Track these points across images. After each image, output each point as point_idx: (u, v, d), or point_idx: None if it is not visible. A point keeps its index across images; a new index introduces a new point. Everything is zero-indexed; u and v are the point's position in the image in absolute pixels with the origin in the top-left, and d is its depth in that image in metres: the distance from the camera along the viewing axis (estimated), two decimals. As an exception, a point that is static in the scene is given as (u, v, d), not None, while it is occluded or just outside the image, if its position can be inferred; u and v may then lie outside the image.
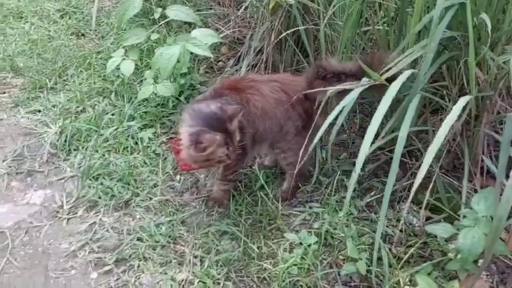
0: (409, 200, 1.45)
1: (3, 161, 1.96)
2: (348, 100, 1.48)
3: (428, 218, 1.74)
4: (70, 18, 3.25)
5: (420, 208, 1.77)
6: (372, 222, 1.74)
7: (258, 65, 2.46)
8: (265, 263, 1.57)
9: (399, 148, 1.33)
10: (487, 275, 1.56)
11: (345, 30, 1.77)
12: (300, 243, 1.60)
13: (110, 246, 1.61)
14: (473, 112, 1.66)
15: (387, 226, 1.71)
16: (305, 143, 1.75)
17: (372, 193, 1.86)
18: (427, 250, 1.62)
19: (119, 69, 2.21)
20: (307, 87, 1.79)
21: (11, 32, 3.04)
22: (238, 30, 2.81)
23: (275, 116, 1.72)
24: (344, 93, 1.55)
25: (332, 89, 1.57)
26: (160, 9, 2.19)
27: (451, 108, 1.68)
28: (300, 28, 2.04)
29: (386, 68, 1.44)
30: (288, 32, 2.07)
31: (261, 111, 1.67)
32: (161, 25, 2.58)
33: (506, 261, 1.56)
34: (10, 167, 1.93)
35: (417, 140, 1.82)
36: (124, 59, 2.15)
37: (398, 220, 1.75)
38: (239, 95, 1.65)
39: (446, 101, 1.72)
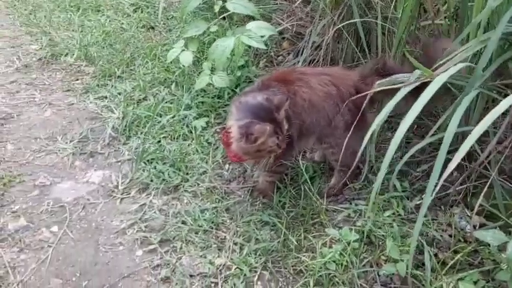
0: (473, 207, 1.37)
1: (71, 141, 2.13)
2: (399, 97, 1.42)
3: (482, 225, 1.63)
4: (142, 12, 3.42)
5: (475, 214, 1.68)
6: (422, 225, 1.66)
7: (316, 60, 2.45)
8: (304, 256, 1.57)
9: (444, 146, 1.25)
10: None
11: (400, 24, 1.70)
12: (340, 240, 1.58)
13: (156, 227, 1.69)
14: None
15: (435, 230, 1.63)
16: (355, 139, 1.75)
17: (424, 195, 1.77)
18: (477, 258, 1.52)
19: (179, 59, 2.30)
20: (360, 82, 1.75)
21: (89, 24, 3.27)
22: (301, 25, 2.80)
23: (323, 109, 1.70)
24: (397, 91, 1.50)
25: (380, 85, 1.52)
26: (220, 2, 2.24)
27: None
28: (356, 21, 1.99)
29: (439, 63, 1.37)
30: (342, 24, 2.02)
31: (308, 104, 1.66)
32: (222, 18, 2.66)
33: None
34: (76, 147, 2.09)
35: (478, 141, 1.71)
36: (183, 50, 2.23)
37: (449, 225, 1.66)
38: (287, 87, 1.65)
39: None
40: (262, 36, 2.09)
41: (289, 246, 1.60)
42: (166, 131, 2.17)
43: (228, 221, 1.73)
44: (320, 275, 1.48)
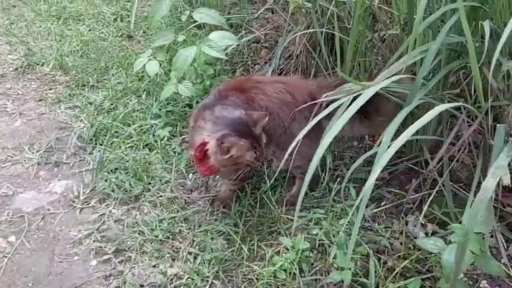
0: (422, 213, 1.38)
1: (37, 151, 2.14)
2: (344, 110, 1.43)
3: (434, 233, 1.64)
4: (122, 21, 3.45)
5: (428, 221, 1.69)
6: (375, 233, 1.68)
7: (287, 70, 2.47)
8: (256, 264, 1.58)
9: (379, 158, 1.26)
10: (491, 298, 1.44)
11: (351, 34, 1.72)
12: (293, 248, 1.59)
13: (112, 237, 1.70)
14: (489, 122, 1.53)
15: (388, 238, 1.64)
16: (313, 147, 1.76)
17: (383, 203, 1.79)
18: (426, 265, 1.53)
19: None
20: (316, 91, 1.77)
21: (68, 33, 3.30)
22: (278, 34, 2.82)
23: (278, 116, 1.72)
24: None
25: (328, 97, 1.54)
26: (187, 12, 2.26)
27: (463, 119, 1.59)
28: (315, 30, 2.01)
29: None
30: (300, 33, 2.05)
31: (265, 111, 1.68)
32: (198, 27, 2.68)
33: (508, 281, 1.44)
34: (42, 157, 2.10)
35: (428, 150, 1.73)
36: (150, 59, 2.25)
37: (402, 233, 1.67)
38: (244, 95, 1.67)
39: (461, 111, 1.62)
40: (227, 47, 2.11)
41: (242, 254, 1.61)
42: (132, 141, 2.19)
43: (185, 230, 1.74)
44: (269, 284, 1.49)
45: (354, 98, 1.28)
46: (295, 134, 1.74)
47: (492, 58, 1.15)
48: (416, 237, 1.64)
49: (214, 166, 1.62)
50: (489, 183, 1.03)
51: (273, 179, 1.86)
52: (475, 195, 1.53)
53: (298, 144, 1.75)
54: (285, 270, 1.53)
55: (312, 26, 2.26)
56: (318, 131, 1.76)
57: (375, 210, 1.75)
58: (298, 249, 1.56)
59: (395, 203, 1.79)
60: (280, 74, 2.45)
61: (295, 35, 2.27)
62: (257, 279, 1.53)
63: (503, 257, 1.50)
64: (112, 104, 2.46)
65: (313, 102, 1.65)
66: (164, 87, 2.22)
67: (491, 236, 1.56)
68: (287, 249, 1.61)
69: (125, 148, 2.14)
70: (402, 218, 1.70)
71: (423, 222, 1.68)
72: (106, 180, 1.95)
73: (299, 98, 1.74)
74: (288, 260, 1.53)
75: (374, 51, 1.94)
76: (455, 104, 1.34)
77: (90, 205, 1.86)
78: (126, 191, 1.90)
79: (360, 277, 1.48)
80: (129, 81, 2.63)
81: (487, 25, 1.23)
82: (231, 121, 1.59)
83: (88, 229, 1.74)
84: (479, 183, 1.19)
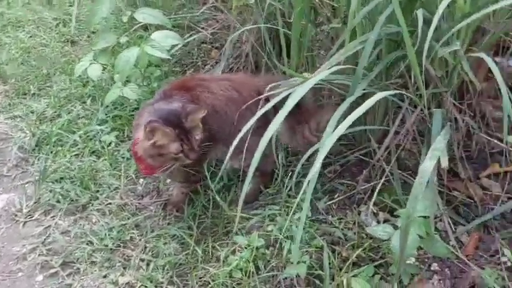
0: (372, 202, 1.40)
1: (-25, 166, 2.02)
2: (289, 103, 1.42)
3: (386, 221, 1.66)
4: (64, 26, 3.31)
5: (380, 210, 1.72)
6: (329, 225, 1.68)
7: (237, 68, 2.44)
8: (211, 266, 1.54)
9: (326, 146, 1.26)
10: (439, 280, 1.47)
11: (294, 29, 1.72)
12: (249, 246, 1.56)
13: (59, 250, 1.62)
14: (432, 110, 1.57)
15: (342, 229, 1.65)
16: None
17: (336, 195, 1.80)
18: (379, 253, 1.55)
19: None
20: (264, 88, 1.75)
21: (7, 40, 3.13)
22: (227, 33, 2.79)
23: (226, 114, 1.69)
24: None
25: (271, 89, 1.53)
26: (128, 13, 2.20)
27: (406, 108, 1.63)
28: (259, 26, 2.00)
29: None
30: (243, 29, 2.04)
31: (212, 109, 1.64)
32: (145, 29, 2.61)
33: (461, 265, 1.48)
34: (-19, 171, 1.98)
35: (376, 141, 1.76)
36: (92, 63, 2.17)
37: (355, 223, 1.68)
38: (189, 93, 1.63)
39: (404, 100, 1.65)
40: (173, 46, 2.07)
41: (196, 257, 1.57)
42: (78, 148, 2.10)
43: (137, 237, 1.68)
44: (225, 284, 1.46)
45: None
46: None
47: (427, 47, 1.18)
48: (368, 226, 1.66)
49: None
50: (426, 166, 1.05)
51: (226, 179, 1.84)
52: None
53: (248, 142, 1.76)
54: (240, 270, 1.50)
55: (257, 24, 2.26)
56: (267, 128, 1.76)
57: (328, 203, 1.76)
58: (253, 247, 1.54)
59: (348, 195, 1.80)
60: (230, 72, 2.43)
61: (240, 31, 2.25)
62: (212, 280, 1.50)
63: (452, 240, 1.54)
64: (55, 112, 2.35)
65: (259, 97, 1.64)
66: (109, 91, 2.15)
67: (440, 220, 1.60)
68: (242, 248, 1.58)
69: (71, 156, 2.05)
70: (355, 208, 1.72)
71: (375, 211, 1.70)
72: (50, 191, 1.86)
73: (246, 95, 1.72)
74: (244, 259, 1.51)
75: (317, 46, 1.95)
76: (394, 91, 1.36)
77: (34, 218, 1.76)
78: (72, 200, 1.82)
79: (316, 270, 1.48)
80: (73, 87, 2.53)
81: (420, 14, 1.26)
82: (162, 111, 1.53)
83: (32, 243, 1.65)
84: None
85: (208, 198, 1.80)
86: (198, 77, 1.76)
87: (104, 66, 2.25)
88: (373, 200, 1.52)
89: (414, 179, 1.70)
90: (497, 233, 1.58)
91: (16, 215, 1.77)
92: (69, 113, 2.34)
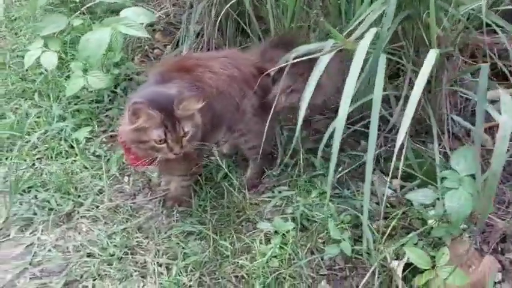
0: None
1: None
2: (319, 70, 1.33)
3: (402, 187, 1.65)
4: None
5: (392, 178, 1.70)
6: (346, 199, 1.63)
7: (199, 48, 2.27)
8: (241, 259, 1.40)
9: (375, 114, 1.20)
10: (469, 237, 1.50)
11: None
12: (276, 232, 1.45)
13: (55, 268, 1.36)
14: (433, 70, 1.58)
15: (361, 200, 1.60)
16: (264, 123, 1.63)
17: (340, 168, 1.74)
18: (407, 220, 1.53)
19: (39, 64, 1.92)
20: (259, 61, 1.63)
21: None
22: (173, 13, 2.58)
23: (229, 94, 1.54)
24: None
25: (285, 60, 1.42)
26: (81, -9, 1.92)
27: (411, 69, 1.62)
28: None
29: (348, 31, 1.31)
30: (229, 5, 1.88)
31: (216, 90, 1.48)
32: (83, 11, 2.30)
33: (486, 219, 1.51)
34: None
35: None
36: (44, 51, 1.85)
37: (372, 193, 1.65)
38: (190, 74, 1.45)
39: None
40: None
41: (223, 252, 1.42)
42: (39, 151, 1.79)
43: (144, 241, 1.47)
44: (265, 276, 1.34)
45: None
46: (246, 111, 1.61)
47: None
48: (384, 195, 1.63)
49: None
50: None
51: (225, 165, 1.69)
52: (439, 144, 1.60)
53: (249, 123, 1.63)
54: (276, 257, 1.38)
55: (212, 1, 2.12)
56: (268, 107, 1.64)
57: (338, 176, 1.70)
58: (284, 232, 1.43)
59: (354, 166, 1.75)
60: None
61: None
62: (248, 274, 1.36)
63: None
64: (-5, 113, 1.98)
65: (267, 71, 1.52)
66: (68, 83, 1.85)
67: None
68: (270, 234, 1.46)
69: (33, 161, 1.74)
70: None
71: (387, 180, 1.67)
72: (21, 203, 1.55)
73: (246, 71, 1.58)
74: (277, 246, 1.39)
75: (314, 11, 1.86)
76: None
77: (10, 237, 1.46)
78: (53, 210, 1.54)
79: (353, 245, 1.42)
80: (10, 82, 2.16)
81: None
82: (152, 93, 1.34)
83: (17, 266, 1.36)
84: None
85: (212, 187, 1.64)
86: (195, 55, 1.57)
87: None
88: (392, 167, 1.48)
89: (418, 142, 1.77)
90: (503, 185, 1.65)
91: (-15, 237, 1.45)
92: (14, 112, 1.99)
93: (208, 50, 2.24)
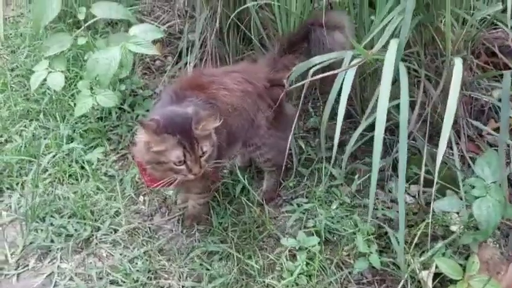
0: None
1: None
2: (347, 84, 1.31)
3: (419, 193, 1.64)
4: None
5: (410, 184, 1.69)
6: (365, 208, 1.61)
7: (203, 59, 2.24)
8: (268, 278, 1.38)
9: (403, 123, 1.19)
10: (493, 241, 1.49)
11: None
12: (301, 248, 1.43)
13: (80, 299, 1.33)
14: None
15: (383, 209, 1.59)
16: (279, 135, 1.62)
17: (356, 176, 1.73)
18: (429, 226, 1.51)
19: (43, 83, 1.88)
20: (271, 73, 1.61)
21: None
22: (172, 24, 2.55)
23: (244, 110, 1.52)
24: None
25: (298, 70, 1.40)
26: (83, 9, 1.87)
27: (425, 74, 1.60)
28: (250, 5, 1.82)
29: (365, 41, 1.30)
30: (233, 14, 1.86)
31: (231, 107, 1.46)
32: (85, 28, 2.26)
33: (508, 223, 1.50)
34: None
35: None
36: (50, 71, 1.81)
37: (392, 201, 1.64)
38: (204, 93, 1.42)
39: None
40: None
41: (249, 272, 1.40)
42: (50, 175, 1.75)
43: (166, 264, 1.44)
44: (294, 295, 1.32)
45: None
46: (261, 125, 1.59)
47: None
48: (405, 202, 1.62)
49: None
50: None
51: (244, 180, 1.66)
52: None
53: (264, 136, 1.61)
54: (303, 274, 1.36)
55: (215, 10, 2.09)
56: (282, 119, 1.62)
57: (358, 182, 1.68)
58: (310, 247, 1.41)
59: (369, 174, 1.73)
60: (200, 63, 2.22)
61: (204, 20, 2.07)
62: (276, 293, 1.34)
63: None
64: (2, 136, 1.94)
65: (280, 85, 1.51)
66: (77, 102, 1.81)
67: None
68: (295, 250, 1.44)
69: (44, 186, 1.70)
70: (385, 185, 1.66)
71: (406, 186, 1.66)
72: (37, 231, 1.52)
73: (259, 85, 1.56)
74: (304, 262, 1.37)
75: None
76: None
77: (29, 267, 1.43)
78: (70, 236, 1.51)
79: (380, 257, 1.40)
80: (12, 104, 2.11)
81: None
82: (169, 112, 1.31)
83: (40, 299, 1.33)
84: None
85: (229, 202, 1.62)
86: (207, 72, 1.54)
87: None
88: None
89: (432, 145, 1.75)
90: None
91: (2, 268, 1.42)
92: (20, 135, 1.95)
93: (212, 60, 2.22)
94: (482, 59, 1.87)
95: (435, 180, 1.16)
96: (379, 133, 1.14)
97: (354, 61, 1.29)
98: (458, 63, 1.17)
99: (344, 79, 1.30)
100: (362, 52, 1.24)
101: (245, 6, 1.84)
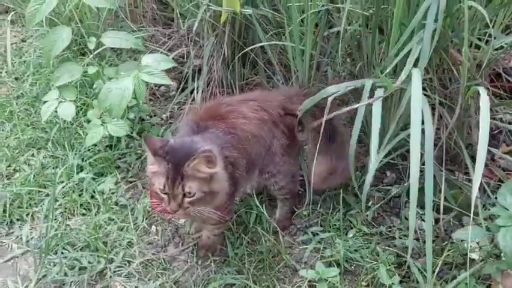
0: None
1: None
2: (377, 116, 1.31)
3: (437, 220, 1.63)
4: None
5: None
6: (382, 236, 1.60)
7: (209, 85, 2.24)
8: (289, 310, 1.35)
9: (429, 153, 1.19)
10: (512, 269, 1.47)
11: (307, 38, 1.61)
12: (321, 279, 1.40)
13: (98, 335, 1.29)
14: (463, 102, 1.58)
15: (400, 237, 1.57)
16: (292, 163, 1.62)
17: (370, 203, 1.71)
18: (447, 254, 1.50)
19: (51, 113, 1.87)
20: (286, 102, 1.62)
21: None
22: (176, 49, 2.57)
23: (262, 137, 1.52)
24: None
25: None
26: (93, 38, 1.88)
27: (437, 99, 1.61)
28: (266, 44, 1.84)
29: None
30: (252, 47, 1.87)
31: (251, 135, 1.46)
32: (93, 57, 2.27)
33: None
34: None
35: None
36: (60, 101, 1.81)
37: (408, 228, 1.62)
38: (224, 122, 1.42)
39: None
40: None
41: (268, 304, 1.37)
42: (60, 205, 1.73)
43: (183, 296, 1.42)
44: (316, 328, 1.29)
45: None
46: (276, 152, 1.59)
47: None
48: (421, 229, 1.61)
49: None
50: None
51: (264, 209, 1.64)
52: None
53: (279, 163, 1.61)
54: (324, 306, 1.34)
55: (222, 39, 2.10)
56: (295, 146, 1.63)
57: (373, 209, 1.67)
58: (330, 278, 1.39)
59: (383, 201, 1.73)
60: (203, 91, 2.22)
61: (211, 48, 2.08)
62: (297, 327, 1.31)
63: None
64: (10, 166, 1.92)
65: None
66: (88, 132, 1.80)
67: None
68: (315, 281, 1.42)
69: (55, 217, 1.67)
70: (401, 213, 1.65)
71: (421, 212, 1.65)
72: (50, 264, 1.49)
73: (274, 113, 1.57)
74: (324, 294, 1.35)
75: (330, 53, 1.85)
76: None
77: (43, 303, 1.39)
78: (84, 269, 1.48)
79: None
80: (20, 132, 2.10)
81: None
82: (183, 142, 1.31)
83: (56, 336, 1.29)
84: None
85: (243, 231, 1.60)
86: (225, 101, 1.54)
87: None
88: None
89: (450, 172, 1.75)
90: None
91: (16, 304, 1.38)
92: (29, 164, 1.93)
93: (217, 86, 2.23)
94: (487, 80, 1.90)
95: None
96: (415, 172, 1.14)
97: (379, 92, 1.29)
98: (483, 94, 1.17)
99: (364, 108, 1.30)
100: (387, 84, 1.25)
101: (260, 44, 1.85)
